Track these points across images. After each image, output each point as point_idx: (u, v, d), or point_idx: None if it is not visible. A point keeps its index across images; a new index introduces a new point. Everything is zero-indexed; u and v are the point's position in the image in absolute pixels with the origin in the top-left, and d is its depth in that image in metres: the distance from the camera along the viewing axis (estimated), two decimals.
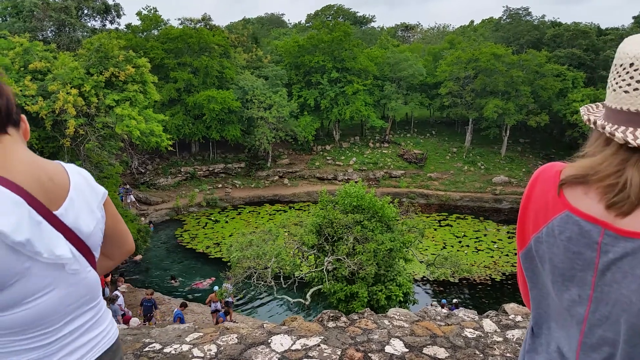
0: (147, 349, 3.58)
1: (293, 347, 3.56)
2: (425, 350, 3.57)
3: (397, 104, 43.31)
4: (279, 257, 16.64)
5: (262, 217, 33.53)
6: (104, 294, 15.14)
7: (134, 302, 18.55)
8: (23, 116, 1.39)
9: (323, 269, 16.39)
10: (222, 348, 3.54)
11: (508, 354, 3.56)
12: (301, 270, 17.81)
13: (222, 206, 35.72)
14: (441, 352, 3.55)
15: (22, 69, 21.25)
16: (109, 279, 18.71)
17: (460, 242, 30.02)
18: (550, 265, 1.13)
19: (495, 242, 29.81)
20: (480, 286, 24.08)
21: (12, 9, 32.77)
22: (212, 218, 33.55)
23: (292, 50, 42.04)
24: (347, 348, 3.56)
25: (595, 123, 1.09)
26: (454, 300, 19.07)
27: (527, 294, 1.29)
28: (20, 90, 19.68)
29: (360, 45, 44.44)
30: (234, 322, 14.71)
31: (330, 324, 3.94)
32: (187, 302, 17.99)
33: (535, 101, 39.97)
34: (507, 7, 54.23)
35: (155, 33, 39.84)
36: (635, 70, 1.02)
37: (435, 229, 31.50)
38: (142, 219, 29.78)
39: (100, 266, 1.57)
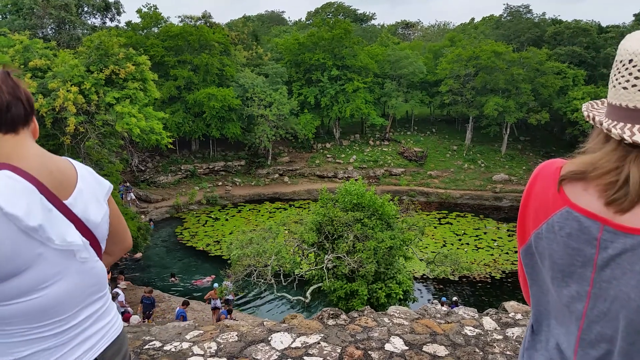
0: (147, 346, 3.58)
1: (293, 345, 3.56)
2: (425, 348, 3.57)
3: (397, 102, 43.27)
4: (279, 255, 16.65)
5: (262, 215, 33.53)
6: None
7: (134, 299, 18.57)
8: (33, 116, 1.47)
9: (323, 266, 16.41)
10: (222, 346, 3.55)
11: (508, 352, 3.56)
12: (301, 268, 17.84)
13: (222, 204, 35.74)
14: (441, 350, 3.55)
15: (22, 66, 21.22)
16: (109, 276, 18.69)
17: (460, 240, 30.03)
18: (550, 261, 1.13)
19: (495, 240, 29.82)
20: (480, 284, 24.10)
21: (12, 6, 32.73)
22: (212, 216, 33.56)
23: (293, 48, 41.99)
24: (347, 346, 3.56)
25: (594, 119, 1.09)
26: (454, 298, 19.07)
27: (528, 291, 1.29)
28: None
29: (360, 43, 44.39)
30: (234, 319, 14.72)
31: (330, 322, 3.95)
32: (188, 301, 18.00)
33: (536, 99, 39.94)
34: (507, 4, 54.23)
35: (156, 31, 39.81)
36: (634, 66, 1.02)
37: (435, 227, 31.50)
38: (142, 216, 29.78)
39: None
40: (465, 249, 27.99)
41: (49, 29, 32.90)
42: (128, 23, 41.68)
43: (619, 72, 1.05)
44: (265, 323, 3.98)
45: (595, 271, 1.04)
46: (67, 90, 20.36)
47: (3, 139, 1.34)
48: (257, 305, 21.42)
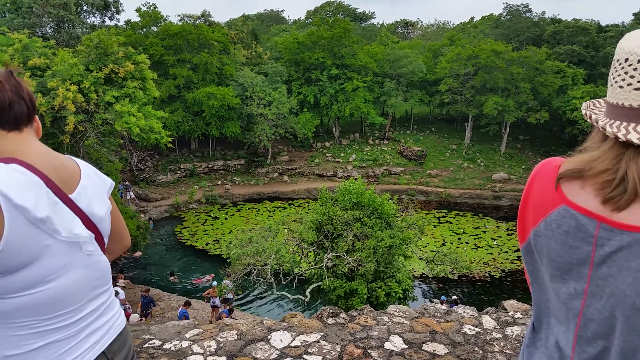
0: (146, 345, 3.59)
1: (292, 344, 3.57)
2: (424, 347, 3.58)
3: (396, 101, 43.27)
4: (278, 253, 16.65)
5: (261, 214, 33.54)
6: None
7: (133, 298, 18.58)
8: (35, 115, 1.52)
9: (322, 265, 16.41)
10: (222, 344, 3.55)
11: (507, 351, 3.57)
12: (301, 267, 17.84)
13: (221, 203, 35.74)
14: (440, 349, 3.56)
15: (21, 65, 21.16)
16: None
17: (459, 239, 30.06)
18: (548, 259, 1.14)
19: (494, 239, 29.85)
20: (479, 283, 24.13)
21: (11, 5, 32.66)
22: (212, 215, 33.57)
23: (292, 47, 41.96)
24: (347, 344, 3.57)
25: (591, 117, 1.10)
26: (454, 297, 19.10)
27: None
28: None
29: (360, 42, 44.35)
30: (234, 318, 14.74)
31: (330, 321, 3.95)
32: (190, 301, 18.00)
33: (535, 98, 39.94)
34: (507, 3, 54.45)
35: (155, 29, 39.75)
36: (629, 65, 1.02)
37: (434, 226, 31.53)
38: (142, 215, 29.77)
39: None
40: (465, 248, 28.02)
41: (48, 28, 32.86)
42: (127, 22, 41.64)
43: (616, 71, 1.06)
44: (264, 322, 3.99)
45: (592, 269, 1.05)
46: (67, 89, 20.33)
47: (7, 136, 1.37)
48: (257, 304, 21.44)
